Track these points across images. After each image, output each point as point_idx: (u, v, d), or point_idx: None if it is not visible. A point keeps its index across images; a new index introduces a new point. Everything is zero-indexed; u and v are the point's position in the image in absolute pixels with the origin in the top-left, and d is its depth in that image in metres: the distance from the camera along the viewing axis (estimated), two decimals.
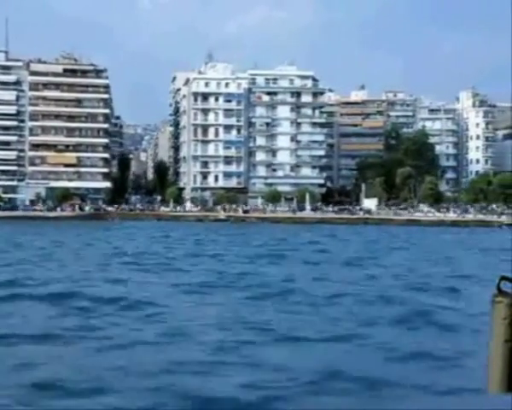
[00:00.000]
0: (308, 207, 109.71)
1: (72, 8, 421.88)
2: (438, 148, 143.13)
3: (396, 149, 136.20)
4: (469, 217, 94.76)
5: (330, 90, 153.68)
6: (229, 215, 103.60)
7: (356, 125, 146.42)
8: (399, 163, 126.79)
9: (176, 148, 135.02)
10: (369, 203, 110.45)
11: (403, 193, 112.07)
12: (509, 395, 2.88)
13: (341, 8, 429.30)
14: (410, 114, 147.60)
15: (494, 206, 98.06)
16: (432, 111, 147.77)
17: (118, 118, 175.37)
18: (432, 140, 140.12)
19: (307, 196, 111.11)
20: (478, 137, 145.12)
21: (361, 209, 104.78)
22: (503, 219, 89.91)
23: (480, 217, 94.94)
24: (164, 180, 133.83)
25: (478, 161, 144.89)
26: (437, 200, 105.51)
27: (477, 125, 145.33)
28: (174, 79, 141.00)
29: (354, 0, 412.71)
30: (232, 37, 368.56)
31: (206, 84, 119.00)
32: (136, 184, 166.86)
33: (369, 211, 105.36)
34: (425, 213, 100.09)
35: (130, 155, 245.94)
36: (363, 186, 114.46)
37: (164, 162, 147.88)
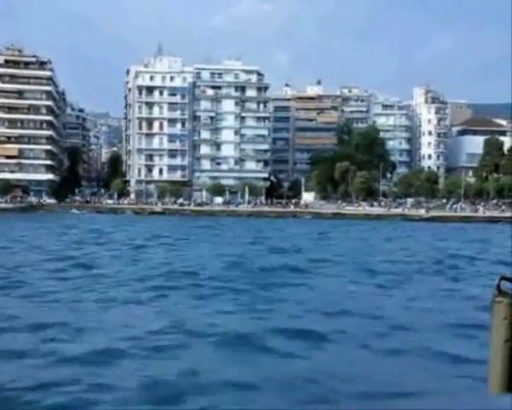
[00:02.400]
0: (246, 200, 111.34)
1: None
2: (391, 143, 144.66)
3: (348, 143, 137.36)
4: (396, 211, 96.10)
5: (287, 85, 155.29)
6: (166, 208, 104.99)
7: (311, 120, 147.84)
8: (350, 158, 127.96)
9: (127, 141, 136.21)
10: (308, 197, 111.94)
11: (341, 187, 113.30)
12: (509, 395, 2.90)
13: (328, 0, 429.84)
14: (364, 109, 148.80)
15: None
16: (385, 107, 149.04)
17: (81, 111, 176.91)
18: (386, 135, 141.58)
19: (246, 190, 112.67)
20: (430, 133, 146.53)
21: (296, 203, 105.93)
22: (422, 212, 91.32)
23: (407, 211, 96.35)
24: (116, 173, 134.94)
25: (430, 156, 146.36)
26: (370, 194, 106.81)
27: (429, 121, 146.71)
28: (128, 71, 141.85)
29: None
30: (217, 30, 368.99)
31: (151, 78, 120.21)
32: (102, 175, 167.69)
33: (306, 205, 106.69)
34: (356, 206, 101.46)
35: (115, 148, 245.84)
36: (303, 180, 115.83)
37: (117, 155, 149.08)
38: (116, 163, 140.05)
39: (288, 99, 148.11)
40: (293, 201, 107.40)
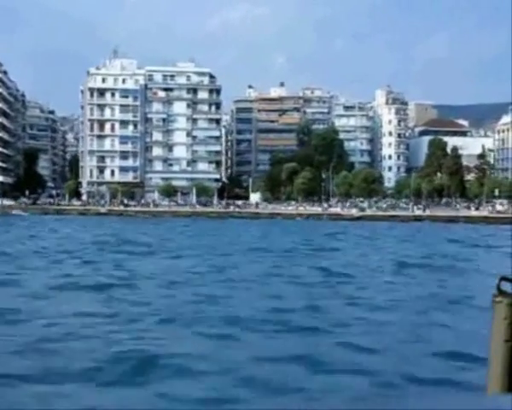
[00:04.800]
0: (194, 201, 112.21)
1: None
2: (352, 144, 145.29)
3: (308, 144, 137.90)
4: (333, 210, 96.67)
5: (250, 87, 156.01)
6: (111, 209, 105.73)
7: (273, 122, 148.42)
8: (309, 159, 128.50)
9: None
10: (255, 197, 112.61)
11: (288, 188, 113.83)
12: (509, 395, 2.89)
13: (326, 3, 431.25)
14: (326, 110, 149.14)
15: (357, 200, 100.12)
16: (347, 108, 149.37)
17: (51, 112, 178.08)
18: (347, 136, 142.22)
19: (194, 191, 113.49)
20: (390, 134, 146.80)
21: (234, 205, 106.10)
22: (354, 212, 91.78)
23: (345, 211, 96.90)
24: (75, 174, 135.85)
25: (390, 156, 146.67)
26: (312, 194, 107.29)
27: (390, 121, 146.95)
28: (88, 73, 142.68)
29: None
30: (214, 33, 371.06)
31: (104, 80, 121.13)
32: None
33: (255, 204, 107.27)
34: (297, 206, 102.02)
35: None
36: (250, 181, 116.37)
37: (77, 157, 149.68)
38: (73, 165, 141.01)
39: (251, 100, 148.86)
40: (236, 202, 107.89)
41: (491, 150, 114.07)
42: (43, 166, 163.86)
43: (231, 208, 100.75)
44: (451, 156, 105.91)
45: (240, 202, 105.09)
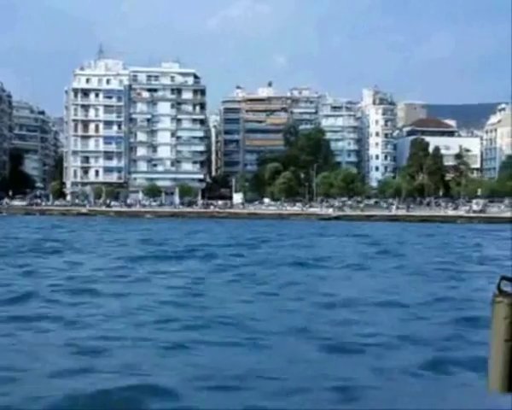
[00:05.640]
0: (177, 201, 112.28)
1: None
2: (340, 144, 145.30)
3: (295, 144, 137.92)
4: (312, 210, 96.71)
5: (238, 87, 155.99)
6: (92, 209, 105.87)
7: (261, 122, 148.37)
8: (295, 159, 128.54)
9: None
10: (237, 197, 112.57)
11: (271, 187, 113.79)
12: (509, 395, 2.90)
13: (326, 1, 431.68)
14: (313, 110, 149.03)
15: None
16: (334, 108, 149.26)
17: (41, 113, 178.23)
18: (334, 136, 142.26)
19: (177, 191, 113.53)
20: (377, 134, 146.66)
21: (215, 205, 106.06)
22: (330, 211, 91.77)
23: (323, 211, 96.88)
24: (59, 175, 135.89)
25: (377, 156, 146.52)
26: (292, 194, 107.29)
27: (376, 122, 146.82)
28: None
29: None
30: (214, 32, 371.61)
31: (88, 81, 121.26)
32: None
33: (242, 205, 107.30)
34: (279, 206, 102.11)
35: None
36: (234, 181, 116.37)
37: (62, 157, 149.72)
38: (59, 165, 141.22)
39: (239, 101, 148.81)
40: (217, 202, 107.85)
41: (467, 150, 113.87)
42: (34, 167, 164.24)
43: (211, 209, 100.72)
44: (432, 156, 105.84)
45: (220, 203, 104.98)
